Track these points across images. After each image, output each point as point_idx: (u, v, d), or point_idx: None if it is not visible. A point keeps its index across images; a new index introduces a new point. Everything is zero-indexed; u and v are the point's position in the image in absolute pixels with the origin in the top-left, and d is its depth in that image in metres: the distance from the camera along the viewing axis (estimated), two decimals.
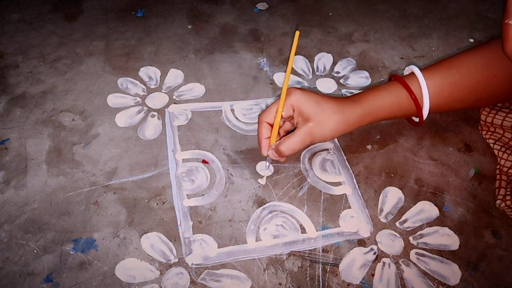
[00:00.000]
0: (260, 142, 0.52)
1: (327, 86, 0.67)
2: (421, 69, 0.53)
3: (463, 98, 0.54)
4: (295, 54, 0.52)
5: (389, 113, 0.53)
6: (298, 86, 0.66)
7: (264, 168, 0.55)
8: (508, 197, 0.51)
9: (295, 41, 0.49)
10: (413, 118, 0.57)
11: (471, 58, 0.53)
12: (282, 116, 0.51)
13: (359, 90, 0.66)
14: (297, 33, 0.49)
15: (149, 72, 0.68)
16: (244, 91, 0.66)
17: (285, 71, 0.52)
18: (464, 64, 0.53)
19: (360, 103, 0.52)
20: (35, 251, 0.47)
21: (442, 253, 0.49)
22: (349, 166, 0.56)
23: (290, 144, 0.50)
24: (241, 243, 0.49)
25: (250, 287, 0.46)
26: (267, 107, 0.52)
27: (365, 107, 0.51)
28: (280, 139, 0.51)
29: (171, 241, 0.49)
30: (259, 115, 0.52)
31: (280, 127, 0.53)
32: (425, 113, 0.53)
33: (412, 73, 0.53)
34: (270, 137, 0.52)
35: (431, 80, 0.52)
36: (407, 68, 0.55)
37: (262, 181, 0.54)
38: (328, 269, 0.47)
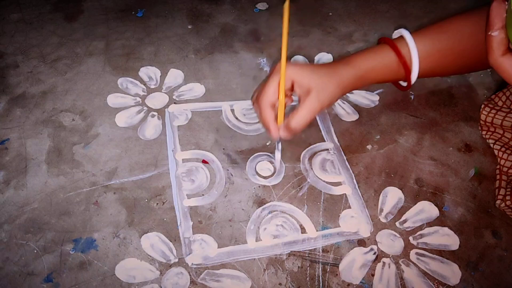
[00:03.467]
0: (269, 126, 0.49)
1: None
2: (411, 33, 0.53)
3: (451, 63, 0.54)
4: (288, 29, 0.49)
5: (379, 76, 0.54)
6: None
7: (263, 168, 0.55)
8: (508, 197, 0.51)
9: (286, 14, 0.45)
10: (401, 82, 0.57)
11: (462, 24, 0.52)
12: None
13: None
14: (287, 3, 0.45)
15: (149, 72, 0.68)
16: (244, 91, 0.65)
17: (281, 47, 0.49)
18: (455, 30, 0.52)
19: (352, 66, 0.52)
20: (35, 251, 0.47)
21: (442, 253, 0.49)
22: (349, 166, 0.56)
23: (300, 119, 0.48)
24: (241, 243, 0.49)
25: (250, 287, 0.46)
26: (261, 89, 0.50)
27: (358, 70, 0.52)
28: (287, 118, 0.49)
29: (171, 241, 0.49)
30: (258, 99, 0.50)
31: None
32: (414, 77, 0.53)
33: (402, 37, 0.53)
34: (276, 118, 0.50)
35: (421, 44, 0.52)
36: (396, 31, 0.55)
37: (277, 163, 0.54)
38: (328, 269, 0.47)
